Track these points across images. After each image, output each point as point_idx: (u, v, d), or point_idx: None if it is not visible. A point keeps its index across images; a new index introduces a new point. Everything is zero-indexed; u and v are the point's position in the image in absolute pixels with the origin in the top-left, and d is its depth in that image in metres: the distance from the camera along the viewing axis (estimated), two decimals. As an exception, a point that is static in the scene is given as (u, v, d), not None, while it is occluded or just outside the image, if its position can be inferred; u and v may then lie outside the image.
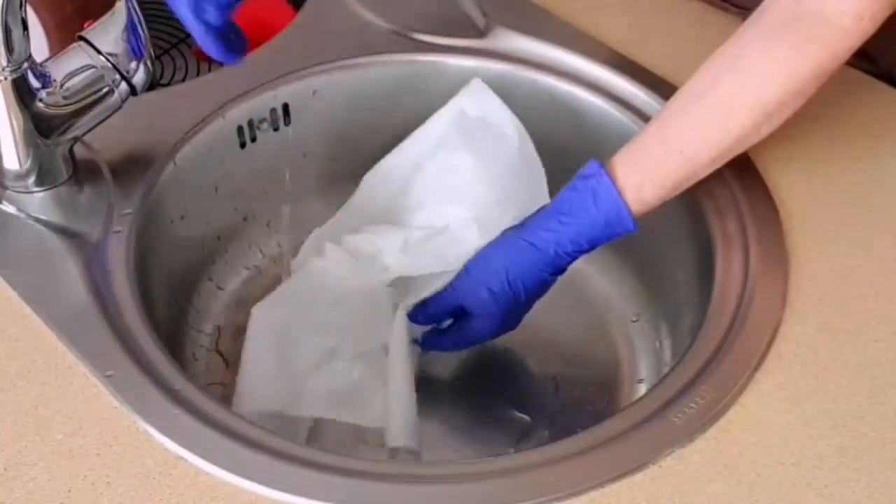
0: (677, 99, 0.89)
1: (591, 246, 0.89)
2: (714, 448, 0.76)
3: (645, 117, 1.00)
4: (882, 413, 0.79)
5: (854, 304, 0.85)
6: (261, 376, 0.94)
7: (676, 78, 1.01)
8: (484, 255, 0.92)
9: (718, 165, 0.88)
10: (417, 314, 0.95)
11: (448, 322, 0.96)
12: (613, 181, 0.87)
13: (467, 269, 0.92)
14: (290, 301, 0.98)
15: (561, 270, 0.91)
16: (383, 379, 0.94)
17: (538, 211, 0.91)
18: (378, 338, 0.96)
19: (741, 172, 0.93)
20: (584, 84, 1.04)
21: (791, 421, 0.78)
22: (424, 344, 0.97)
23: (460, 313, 0.94)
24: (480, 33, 1.08)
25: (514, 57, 1.06)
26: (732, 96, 0.86)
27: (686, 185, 0.89)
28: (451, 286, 0.93)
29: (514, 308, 0.92)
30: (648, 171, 0.87)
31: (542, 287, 0.91)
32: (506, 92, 1.01)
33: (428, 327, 0.97)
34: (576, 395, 0.99)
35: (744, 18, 0.88)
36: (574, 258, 0.90)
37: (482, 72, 1.04)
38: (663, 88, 1.00)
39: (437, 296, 0.94)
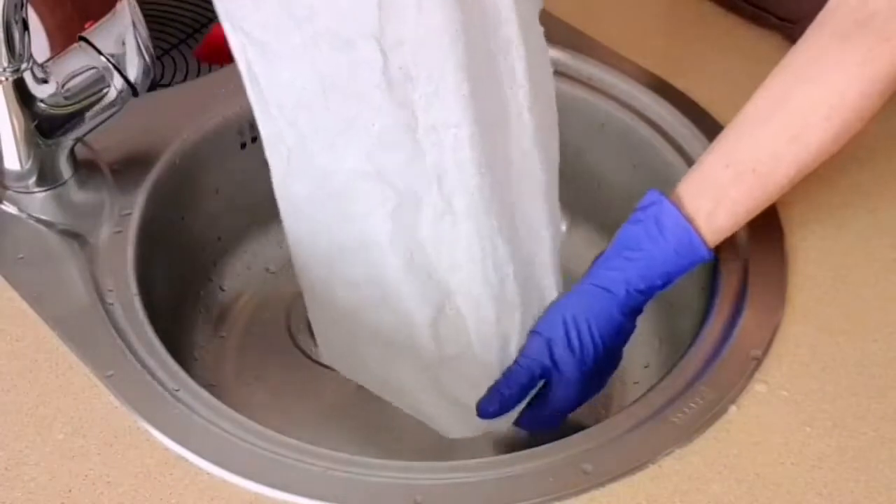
0: (741, 120, 0.84)
1: (665, 281, 0.83)
2: (713, 448, 0.76)
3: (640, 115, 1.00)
4: (881, 413, 0.79)
5: (853, 304, 0.85)
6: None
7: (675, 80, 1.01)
8: (549, 312, 0.85)
9: (795, 183, 0.84)
10: (489, 406, 0.84)
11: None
12: (679, 208, 0.82)
13: (534, 332, 0.85)
14: None
15: (637, 311, 0.84)
16: None
17: (600, 254, 0.85)
18: None
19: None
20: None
21: (790, 421, 0.78)
22: (524, 424, 0.88)
23: (538, 386, 0.85)
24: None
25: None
26: (807, 110, 0.81)
27: (763, 207, 0.84)
28: (518, 358, 0.85)
29: (595, 364, 0.84)
30: (719, 197, 0.83)
31: (620, 334, 0.84)
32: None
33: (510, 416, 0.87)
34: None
35: (784, 31, 0.83)
36: (648, 296, 0.83)
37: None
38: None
39: (506, 375, 0.84)
